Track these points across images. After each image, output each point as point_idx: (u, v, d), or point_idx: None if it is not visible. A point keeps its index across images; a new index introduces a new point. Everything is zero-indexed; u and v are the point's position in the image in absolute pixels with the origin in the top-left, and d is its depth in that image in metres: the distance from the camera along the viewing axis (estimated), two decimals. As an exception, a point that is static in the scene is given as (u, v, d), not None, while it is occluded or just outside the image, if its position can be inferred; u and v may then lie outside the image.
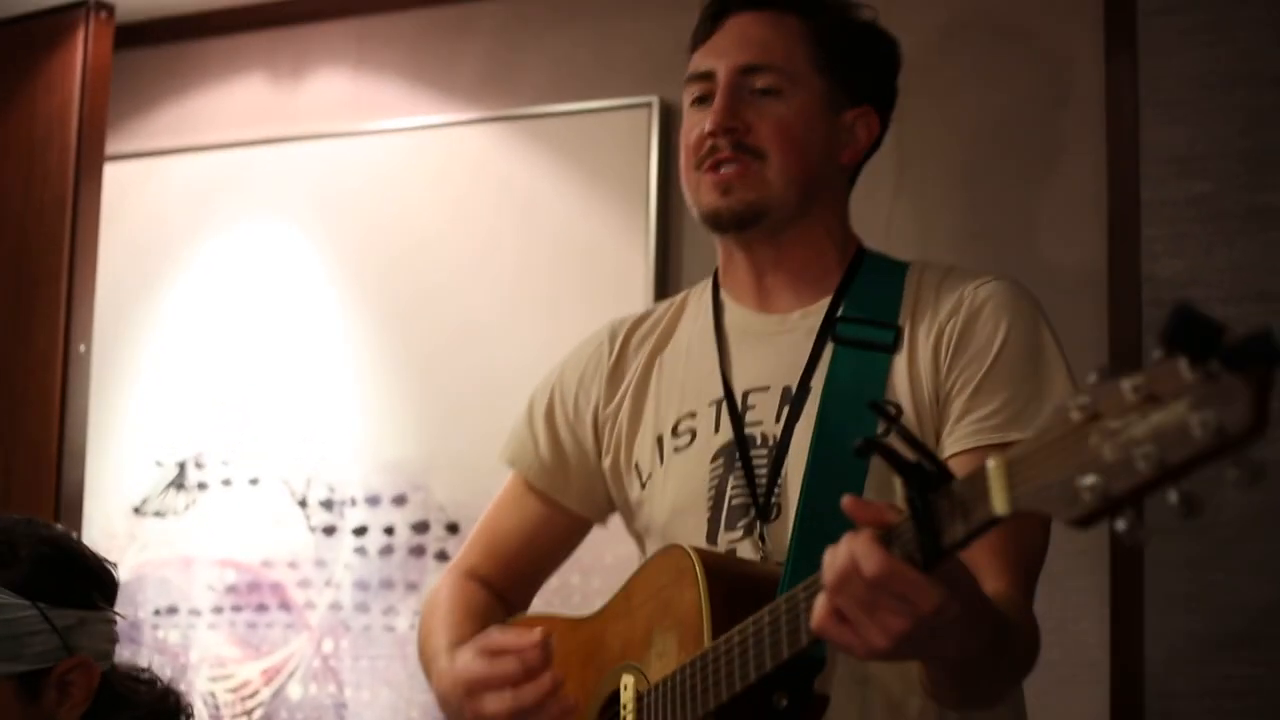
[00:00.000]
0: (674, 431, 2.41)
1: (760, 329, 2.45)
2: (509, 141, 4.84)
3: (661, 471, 2.41)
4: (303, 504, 4.93)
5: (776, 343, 2.42)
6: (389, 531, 4.81)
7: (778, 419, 2.33)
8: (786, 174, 2.38)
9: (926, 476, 1.68)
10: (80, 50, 4.81)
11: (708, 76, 2.45)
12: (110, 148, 5.05)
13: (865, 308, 2.38)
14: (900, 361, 2.31)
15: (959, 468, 1.91)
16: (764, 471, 2.29)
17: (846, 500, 1.80)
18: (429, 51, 5.04)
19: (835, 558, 1.74)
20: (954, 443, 2.23)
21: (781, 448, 2.29)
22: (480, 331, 4.76)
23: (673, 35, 4.57)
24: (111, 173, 5.04)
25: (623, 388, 2.51)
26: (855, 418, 2.19)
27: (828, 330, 2.38)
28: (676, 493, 2.37)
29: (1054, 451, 1.47)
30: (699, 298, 2.57)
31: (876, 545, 1.71)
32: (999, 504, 1.55)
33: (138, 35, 5.30)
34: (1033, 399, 2.21)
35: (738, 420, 2.35)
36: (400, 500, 4.81)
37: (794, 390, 2.34)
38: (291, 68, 5.25)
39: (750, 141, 2.37)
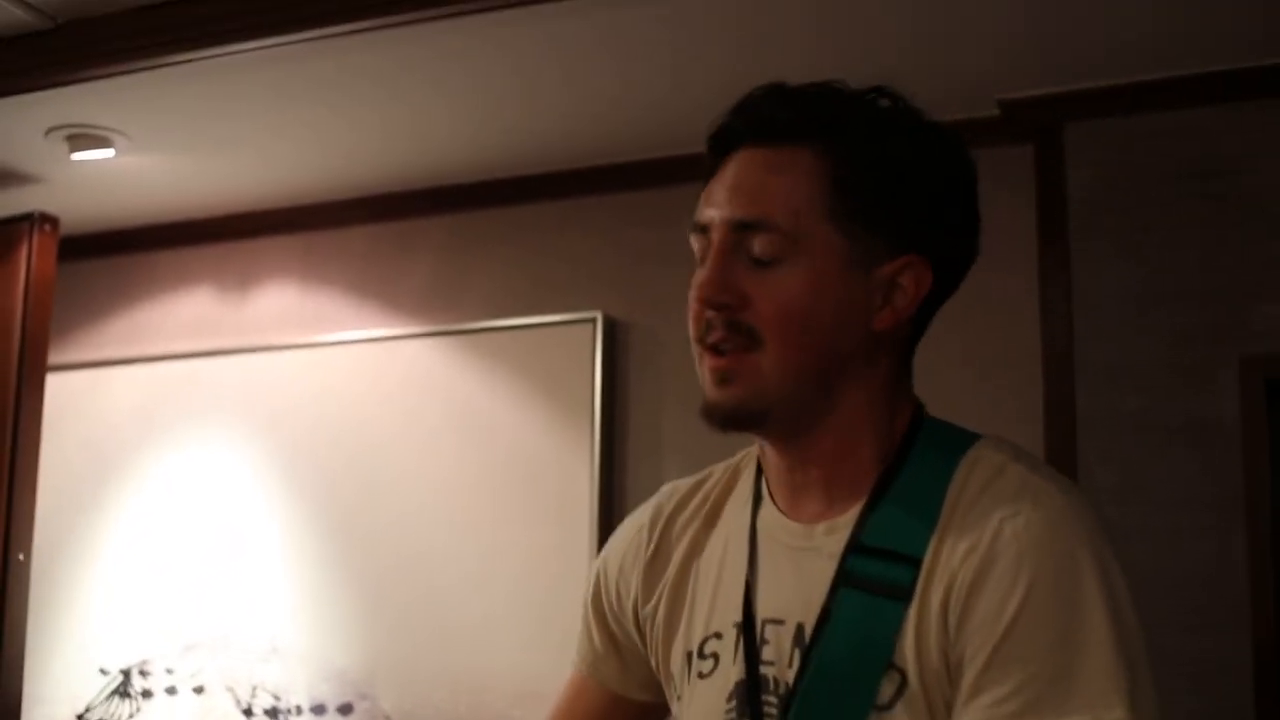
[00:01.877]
0: (700, 653, 1.99)
1: (787, 540, 1.93)
2: (454, 355, 4.92)
3: (689, 693, 2.02)
4: (248, 712, 4.93)
5: (799, 564, 1.91)
6: (335, 741, 4.81)
7: (789, 662, 1.87)
8: (786, 367, 1.83)
9: None
10: (24, 261, 4.84)
11: (704, 230, 1.89)
12: (57, 357, 5.11)
13: (890, 533, 1.85)
14: (912, 614, 1.78)
15: None
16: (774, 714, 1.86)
17: None
18: (374, 267, 5.14)
19: None
20: None
21: (788, 701, 1.85)
22: (425, 542, 4.81)
23: (615, 251, 4.76)
24: (58, 382, 5.10)
25: (660, 586, 2.08)
26: (853, 682, 1.79)
27: (844, 563, 1.86)
28: None
29: None
30: (747, 475, 2.06)
31: None
32: None
33: (86, 247, 5.41)
34: (1059, 677, 1.69)
35: (752, 660, 1.91)
36: (346, 709, 4.82)
37: (807, 632, 1.86)
38: (239, 281, 5.34)
39: (745, 320, 1.83)
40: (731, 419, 1.86)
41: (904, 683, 1.76)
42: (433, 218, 5.07)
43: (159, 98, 4.41)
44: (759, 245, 1.83)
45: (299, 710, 4.87)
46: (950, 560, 1.78)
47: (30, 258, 4.85)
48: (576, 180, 4.84)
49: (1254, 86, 4.05)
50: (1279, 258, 3.98)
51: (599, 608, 2.18)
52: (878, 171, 1.84)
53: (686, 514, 2.09)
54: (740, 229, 1.84)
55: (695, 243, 1.90)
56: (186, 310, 5.40)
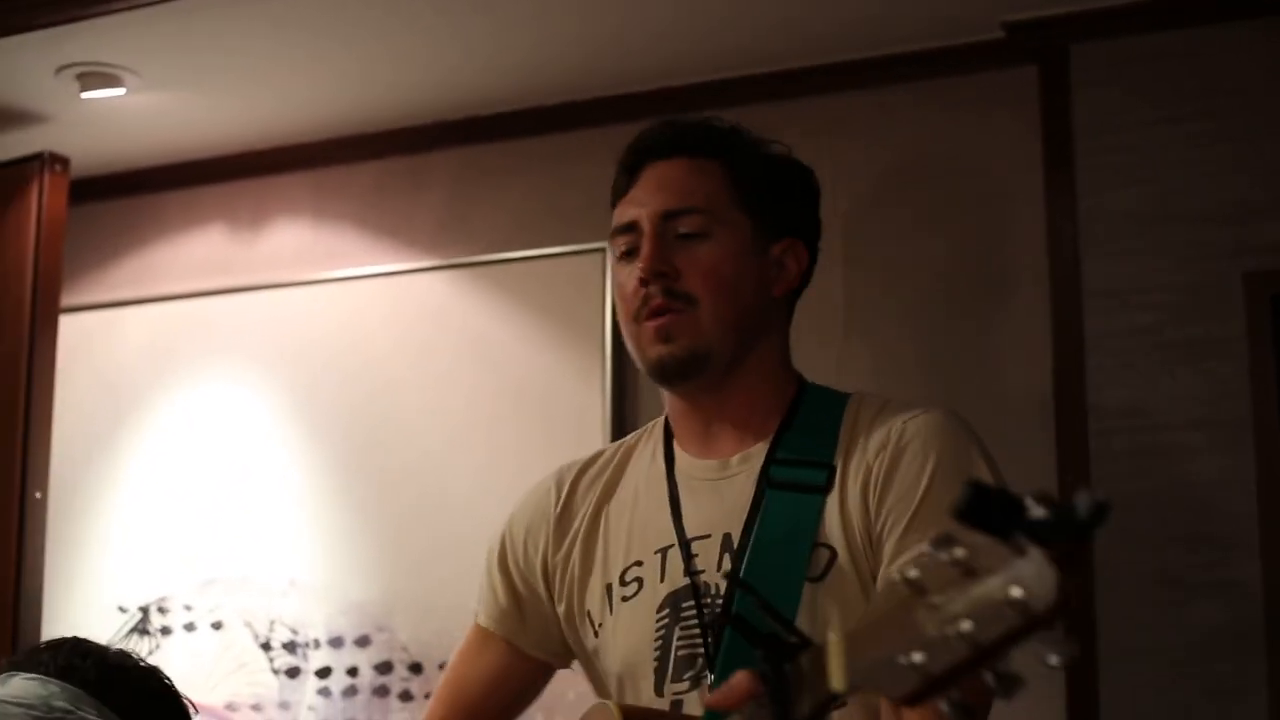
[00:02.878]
0: (622, 580, 2.34)
1: (702, 475, 2.34)
2: (465, 288, 4.94)
3: (611, 620, 2.34)
4: (266, 647, 4.97)
5: (717, 489, 2.32)
6: (353, 673, 4.86)
7: (719, 567, 2.24)
8: (720, 318, 2.27)
9: (783, 648, 1.64)
10: (35, 202, 4.87)
11: (631, 228, 2.34)
12: (70, 299, 5.14)
13: (800, 449, 2.29)
14: (833, 502, 2.21)
15: None
16: (707, 622, 2.21)
17: (708, 699, 1.86)
18: (385, 202, 5.15)
19: None
20: None
21: (728, 599, 2.20)
22: (440, 474, 4.84)
23: (624, 181, 4.76)
24: (72, 323, 5.13)
25: (570, 534, 2.42)
26: (785, 564, 2.15)
27: (767, 473, 2.28)
28: (625, 643, 2.31)
29: (886, 626, 1.38)
30: (647, 442, 2.46)
31: None
32: (836, 680, 1.49)
33: (97, 189, 5.42)
34: None
35: (690, 570, 2.27)
36: (364, 641, 4.85)
37: (735, 538, 2.24)
38: (250, 219, 5.35)
39: (680, 288, 2.27)
40: (679, 370, 2.28)
41: (834, 556, 2.16)
42: (443, 151, 5.08)
43: (169, 34, 4.43)
44: (685, 225, 2.30)
45: (317, 644, 4.91)
46: (864, 456, 2.23)
47: (41, 198, 4.87)
48: (587, 111, 4.83)
49: (1259, 4, 4.05)
50: (1280, 173, 3.99)
51: (504, 566, 2.49)
52: (763, 176, 2.38)
53: (589, 476, 2.47)
54: (668, 217, 2.30)
55: (619, 244, 2.36)
56: (198, 249, 5.42)
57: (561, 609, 2.43)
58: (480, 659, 2.52)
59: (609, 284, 4.64)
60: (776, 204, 2.38)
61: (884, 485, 2.18)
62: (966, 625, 1.24)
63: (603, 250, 4.68)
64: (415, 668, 4.78)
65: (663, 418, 2.47)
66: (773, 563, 2.17)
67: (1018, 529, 1.22)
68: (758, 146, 2.42)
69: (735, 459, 2.33)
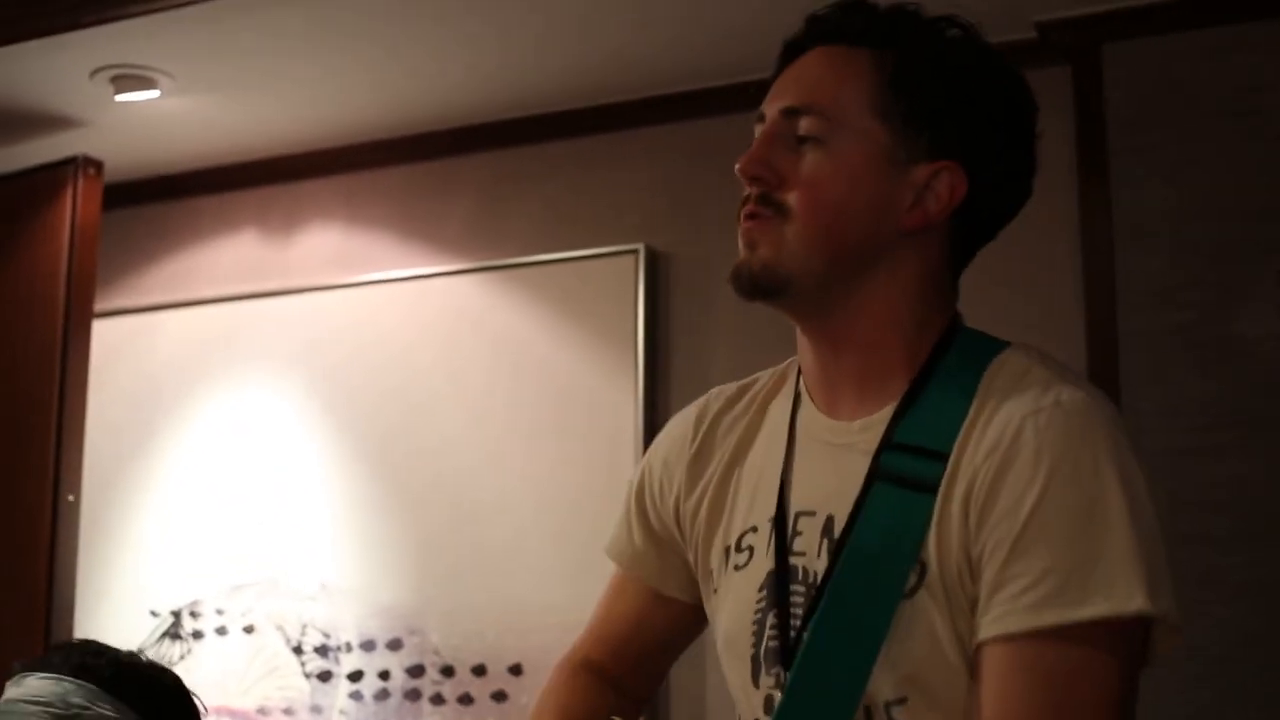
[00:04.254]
0: (738, 545, 2.06)
1: (825, 437, 2.01)
2: (498, 291, 4.94)
3: (725, 585, 2.08)
4: (297, 650, 4.97)
5: (834, 459, 1.99)
6: (384, 676, 4.85)
7: (819, 553, 1.94)
8: (808, 238, 1.92)
9: None
10: (69, 206, 4.90)
11: (760, 120, 2.03)
12: (104, 304, 5.17)
13: (922, 429, 1.92)
14: (937, 511, 1.85)
15: (994, 657, 1.75)
16: (799, 613, 1.94)
17: None
18: (417, 205, 5.17)
19: None
20: (986, 626, 1.78)
21: (820, 590, 1.91)
22: (472, 479, 4.84)
23: (655, 183, 4.77)
24: (105, 328, 5.15)
25: (702, 483, 2.14)
26: (882, 572, 1.85)
27: (878, 458, 1.94)
28: (729, 620, 2.07)
29: None
30: (791, 378, 2.13)
31: None
32: None
33: (131, 193, 5.46)
34: (1079, 567, 1.73)
35: (782, 550, 1.99)
36: (395, 645, 4.85)
37: (837, 524, 1.94)
38: (283, 224, 5.37)
39: (778, 196, 1.94)
40: (753, 282, 1.95)
41: (924, 573, 1.83)
42: (474, 154, 5.09)
43: (203, 36, 4.44)
44: (804, 125, 1.95)
45: (349, 647, 4.91)
46: (974, 457, 1.84)
47: (75, 202, 4.90)
48: (616, 114, 4.85)
49: (1291, 1, 4.05)
50: (1318, 172, 3.98)
51: (641, 502, 2.23)
52: (929, 79, 1.95)
53: (733, 415, 2.15)
54: (790, 114, 1.97)
55: (756, 132, 2.01)
56: (231, 254, 5.44)
57: (691, 557, 2.18)
58: (624, 599, 2.30)
59: (641, 287, 4.65)
60: (935, 116, 1.96)
61: (987, 500, 1.81)
62: None
63: (634, 252, 4.69)
64: (447, 670, 4.77)
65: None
66: (868, 573, 1.87)
67: None
68: (937, 37, 2.01)
69: (857, 424, 1.98)
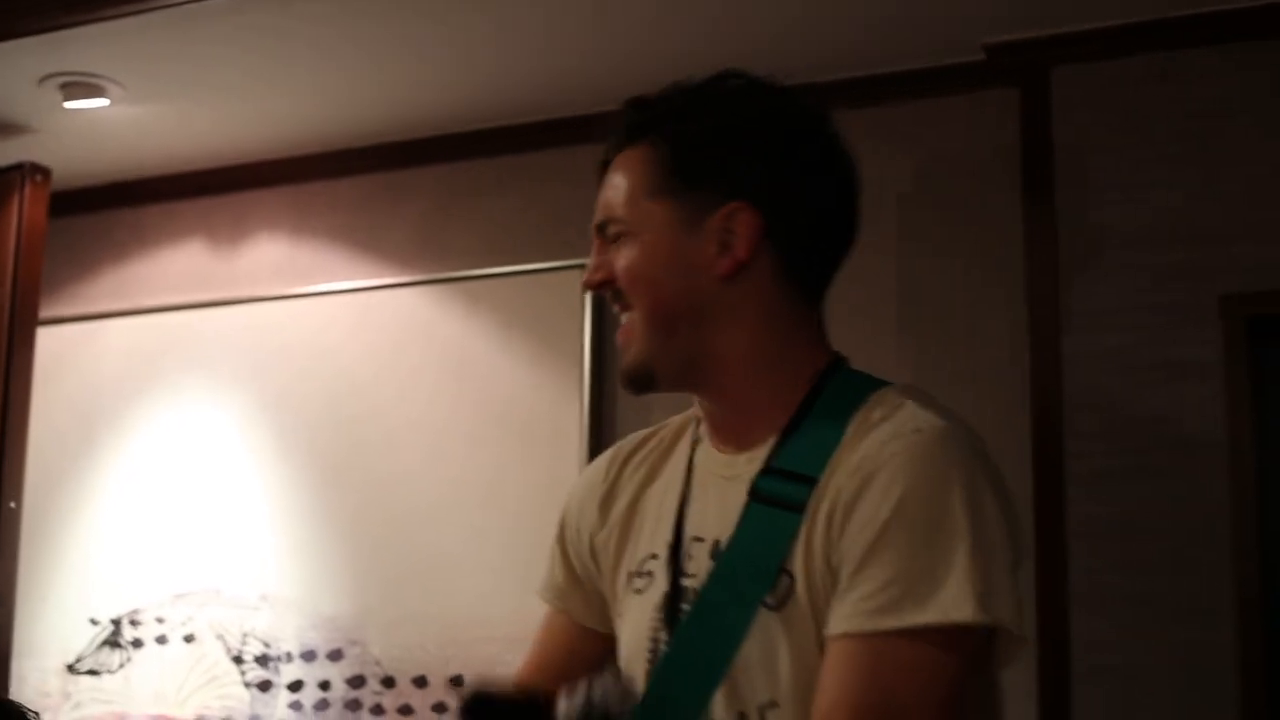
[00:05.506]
0: (639, 572, 2.23)
1: (717, 470, 2.18)
2: (445, 304, 4.95)
3: (626, 609, 2.25)
4: (238, 660, 4.96)
5: (723, 490, 2.14)
6: (325, 686, 4.85)
7: (706, 573, 2.09)
8: (645, 319, 2.11)
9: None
10: (15, 213, 4.87)
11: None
12: (50, 311, 5.15)
13: (796, 457, 2.08)
14: (806, 524, 2.01)
15: (838, 651, 1.89)
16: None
17: None
18: (365, 217, 5.17)
19: None
20: (834, 623, 1.93)
21: (670, 608, 2.10)
22: (415, 490, 4.84)
23: (603, 200, 4.78)
24: (51, 335, 5.13)
25: (612, 517, 2.30)
26: (744, 584, 2.02)
27: (754, 484, 2.09)
28: (628, 639, 2.25)
29: None
30: (694, 423, 2.28)
31: None
32: None
33: (78, 201, 5.44)
34: (922, 579, 1.89)
35: (675, 572, 2.14)
36: (336, 655, 4.84)
37: (722, 546, 2.09)
38: (230, 234, 5.36)
39: (620, 290, 2.14)
40: (633, 382, 2.15)
41: (792, 585, 1.99)
42: (422, 167, 5.10)
43: (154, 45, 4.44)
44: (610, 232, 2.13)
45: (289, 657, 4.90)
46: (838, 477, 2.00)
47: (21, 208, 4.88)
48: (565, 129, 4.85)
49: (1238, 29, 4.08)
50: (1261, 197, 4.01)
51: (563, 543, 2.39)
52: (699, 138, 2.12)
53: (640, 456, 2.32)
54: (600, 230, 2.16)
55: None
56: (178, 263, 5.43)
57: (605, 588, 2.34)
58: (552, 637, 2.45)
59: (588, 301, 4.66)
60: (713, 166, 2.11)
61: (847, 511, 1.96)
62: None
63: (581, 267, 4.68)
64: (388, 681, 4.76)
65: None
66: (737, 583, 2.05)
67: None
68: (701, 106, 2.15)
69: (743, 458, 2.14)
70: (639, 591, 2.20)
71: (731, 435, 2.16)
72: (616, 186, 2.16)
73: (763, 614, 1.97)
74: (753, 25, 4.28)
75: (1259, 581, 3.85)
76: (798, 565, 1.99)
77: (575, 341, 4.69)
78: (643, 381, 2.13)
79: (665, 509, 2.22)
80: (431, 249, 5.05)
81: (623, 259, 2.11)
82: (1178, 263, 4.05)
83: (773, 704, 1.97)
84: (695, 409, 2.28)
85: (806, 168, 2.16)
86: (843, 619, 1.91)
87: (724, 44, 4.37)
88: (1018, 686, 4.01)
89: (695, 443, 2.24)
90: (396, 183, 5.15)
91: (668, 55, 4.40)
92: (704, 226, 2.09)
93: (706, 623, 2.02)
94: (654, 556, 2.19)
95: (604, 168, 2.22)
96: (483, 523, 4.72)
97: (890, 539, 1.91)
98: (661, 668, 2.06)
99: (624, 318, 2.14)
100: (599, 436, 4.57)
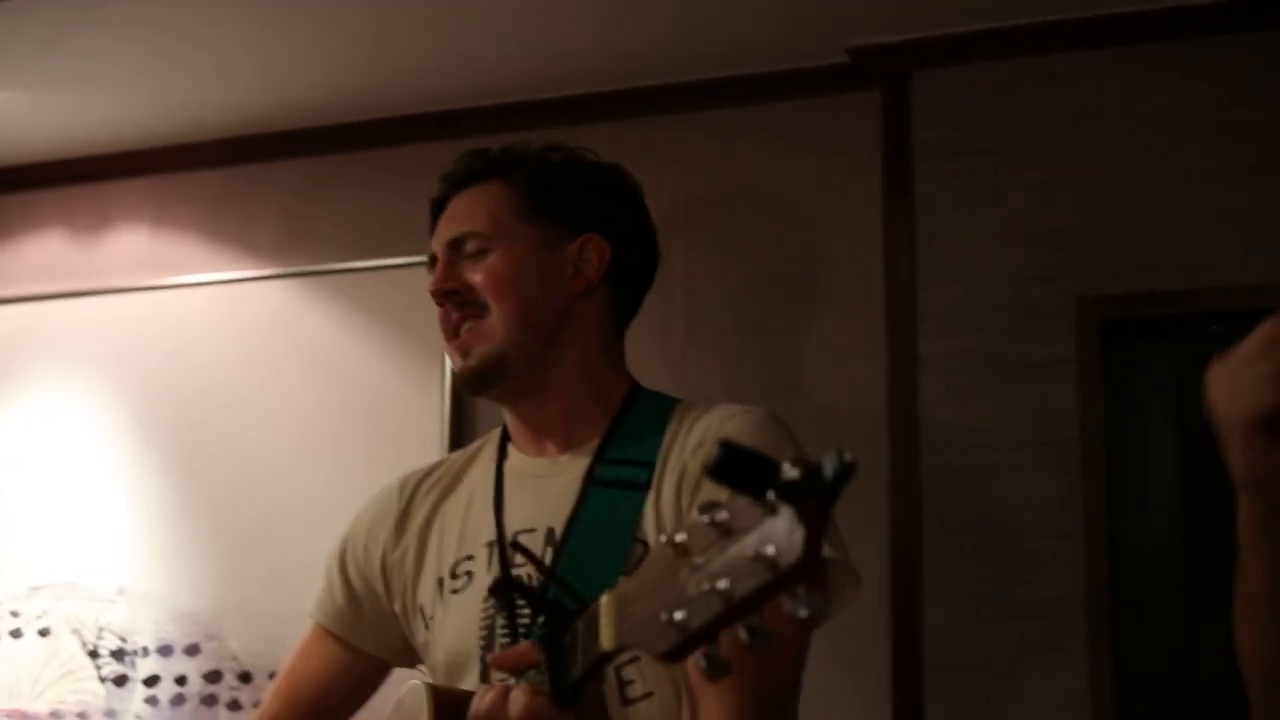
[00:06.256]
0: (452, 574, 2.41)
1: (533, 472, 2.43)
2: (307, 297, 4.93)
3: (441, 613, 2.41)
4: (93, 654, 4.91)
5: (546, 486, 2.40)
6: (181, 681, 4.81)
7: (543, 560, 2.30)
8: (509, 319, 2.38)
9: (563, 615, 1.80)
10: None
11: (433, 262, 2.50)
12: (-96, 300, 5.07)
13: (627, 448, 2.37)
14: (651, 498, 2.27)
15: None
16: (527, 613, 2.24)
17: (492, 659, 2.07)
18: (228, 209, 5.13)
19: (482, 701, 1.88)
20: None
21: (543, 590, 2.16)
22: (275, 483, 4.82)
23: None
24: (-95, 325, 5.05)
25: (407, 537, 2.51)
26: (602, 558, 2.20)
27: (592, 472, 2.37)
28: (454, 633, 2.37)
29: (653, 587, 1.47)
30: (488, 447, 2.56)
31: (519, 690, 1.85)
32: (605, 639, 1.61)
33: (-67, 190, 5.35)
34: None
35: (505, 563, 2.34)
36: (193, 650, 4.81)
37: (558, 532, 2.32)
38: (91, 224, 5.31)
39: (472, 298, 2.40)
40: (478, 376, 2.40)
41: (646, 551, 2.19)
42: (287, 160, 5.07)
43: (13, 31, 4.36)
44: (469, 247, 2.42)
45: (145, 652, 4.86)
46: (682, 453, 2.30)
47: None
48: (429, 124, 4.85)
49: (1093, 36, 4.15)
50: (1116, 201, 4.08)
51: (344, 566, 2.59)
52: (555, 181, 2.49)
53: (430, 481, 2.57)
54: (455, 244, 2.44)
55: (430, 279, 2.49)
56: (37, 253, 5.37)
57: (398, 606, 2.50)
58: (316, 657, 2.59)
59: (451, 296, 4.66)
60: (567, 206, 2.47)
61: (697, 481, 2.23)
62: (722, 583, 1.31)
63: (447, 261, 4.69)
64: (244, 677, 4.74)
65: (504, 424, 2.57)
66: (591, 557, 2.22)
67: (771, 489, 1.27)
68: (546, 158, 2.52)
69: (564, 458, 2.41)
70: (456, 592, 2.39)
71: (550, 442, 2.44)
72: (474, 210, 2.46)
73: (621, 581, 2.04)
74: (620, 25, 4.30)
75: (1108, 575, 3.92)
76: (650, 534, 2.22)
77: (435, 337, 4.62)
78: (490, 378, 2.39)
79: (474, 516, 2.44)
80: (296, 242, 5.03)
81: (486, 268, 2.39)
82: (1035, 265, 4.11)
83: (633, 659, 2.19)
84: (482, 440, 2.59)
85: (633, 215, 2.55)
86: None
87: (595, 45, 4.39)
88: (872, 678, 4.07)
89: (502, 455, 2.49)
90: (261, 175, 5.12)
91: (539, 53, 4.43)
92: (562, 251, 2.45)
93: (569, 598, 2.04)
94: (470, 558, 2.40)
95: (440, 205, 2.54)
96: (343, 518, 4.67)
97: None
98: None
99: (466, 326, 2.41)
100: (459, 432, 4.56)
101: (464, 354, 2.41)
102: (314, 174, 5.04)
